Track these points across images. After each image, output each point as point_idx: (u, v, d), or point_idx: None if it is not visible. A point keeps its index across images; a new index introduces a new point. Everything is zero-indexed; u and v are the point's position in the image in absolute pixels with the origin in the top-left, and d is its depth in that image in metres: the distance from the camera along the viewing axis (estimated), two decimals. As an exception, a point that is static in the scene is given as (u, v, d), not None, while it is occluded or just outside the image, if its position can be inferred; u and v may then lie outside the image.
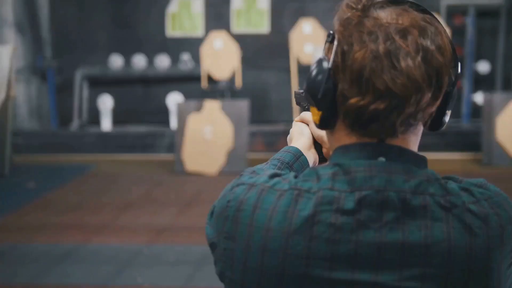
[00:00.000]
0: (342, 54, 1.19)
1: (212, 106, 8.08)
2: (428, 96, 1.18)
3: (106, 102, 9.67)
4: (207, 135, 8.02)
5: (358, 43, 1.17)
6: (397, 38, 1.16)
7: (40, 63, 9.92)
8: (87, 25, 10.08)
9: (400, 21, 1.18)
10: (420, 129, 1.24)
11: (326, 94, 1.20)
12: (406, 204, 1.16)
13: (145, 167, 8.36)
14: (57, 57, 10.11)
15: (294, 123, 1.58)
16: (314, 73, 1.22)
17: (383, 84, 1.15)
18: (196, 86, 9.69)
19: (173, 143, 8.56)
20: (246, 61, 9.63)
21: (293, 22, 9.60)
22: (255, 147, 8.78)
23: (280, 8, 9.91)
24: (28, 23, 9.89)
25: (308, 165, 1.51)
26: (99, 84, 9.98)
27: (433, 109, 1.21)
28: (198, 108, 8.10)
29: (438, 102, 1.21)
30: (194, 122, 8.04)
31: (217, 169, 7.94)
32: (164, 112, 9.68)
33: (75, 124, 9.73)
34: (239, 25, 9.93)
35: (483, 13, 9.74)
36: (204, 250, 5.39)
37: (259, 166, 1.47)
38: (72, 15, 10.08)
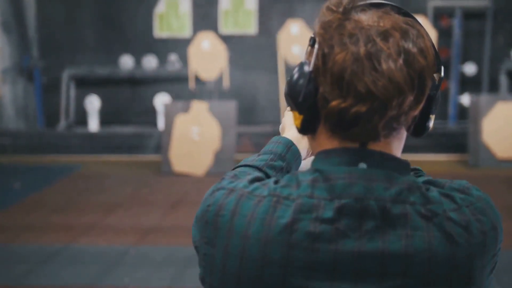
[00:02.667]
0: (323, 57, 1.17)
1: (199, 107, 8.07)
2: (410, 99, 1.16)
3: (93, 103, 9.65)
4: (195, 136, 8.02)
5: (339, 46, 1.16)
6: (378, 40, 1.15)
7: (27, 63, 9.88)
8: (74, 25, 10.05)
9: (381, 24, 1.16)
10: (404, 133, 1.22)
11: (307, 98, 1.19)
12: (386, 212, 1.15)
13: (132, 168, 8.34)
14: (44, 57, 10.07)
15: (286, 113, 1.57)
16: (295, 77, 1.20)
17: (364, 87, 1.14)
18: (183, 87, 9.69)
19: (160, 143, 8.55)
20: (234, 62, 9.63)
21: (280, 23, 9.61)
22: (243, 148, 8.78)
23: (267, 9, 9.91)
24: (14, 23, 9.85)
25: (300, 155, 1.49)
26: (86, 84, 9.96)
27: (416, 112, 1.19)
28: (186, 109, 8.09)
29: (421, 106, 1.19)
30: (181, 122, 8.03)
31: (205, 170, 7.94)
32: (151, 113, 9.66)
33: (61, 125, 9.70)
34: (226, 26, 9.93)
35: (470, 15, 9.79)
36: (191, 251, 5.39)
37: (249, 158, 1.45)
38: (59, 15, 10.05)
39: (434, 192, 1.17)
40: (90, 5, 10.04)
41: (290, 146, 1.47)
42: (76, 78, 9.95)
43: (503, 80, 9.48)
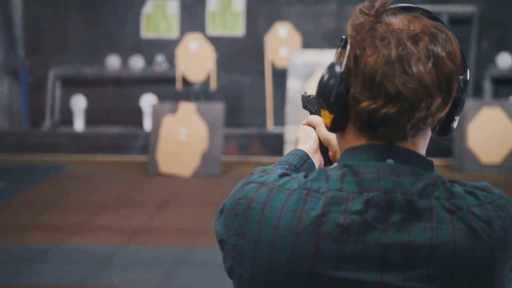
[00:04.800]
0: (355, 58, 1.21)
1: (187, 108, 8.08)
2: (438, 101, 1.21)
3: (79, 102, 9.62)
4: (182, 137, 8.02)
5: (371, 48, 1.20)
6: (408, 44, 1.19)
7: (13, 61, 9.84)
8: (61, 25, 10.02)
9: (411, 28, 1.21)
10: (429, 133, 1.27)
11: (338, 98, 1.23)
12: (413, 206, 1.19)
13: (118, 168, 8.33)
14: (30, 55, 10.03)
15: (301, 127, 1.61)
16: (326, 77, 1.25)
17: (394, 89, 1.18)
18: (170, 88, 9.68)
19: (147, 144, 8.54)
20: (221, 64, 9.64)
21: (268, 25, 9.64)
22: (229, 150, 8.79)
23: (255, 11, 9.93)
24: (0, 21, 9.80)
25: (315, 168, 1.54)
26: (72, 84, 9.93)
27: (443, 114, 1.24)
28: (173, 110, 8.09)
29: (448, 108, 1.24)
30: (169, 123, 8.03)
31: (192, 171, 7.94)
32: (137, 114, 9.65)
33: (47, 124, 9.66)
34: (214, 28, 9.94)
35: (456, 21, 9.86)
36: (179, 251, 5.39)
37: (268, 167, 1.49)
38: (46, 14, 10.02)
39: (458, 188, 1.22)
40: (77, 4, 10.02)
41: (306, 159, 1.53)
42: (62, 77, 9.92)
43: (487, 85, 9.56)
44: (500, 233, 1.21)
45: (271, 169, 1.33)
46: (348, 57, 1.22)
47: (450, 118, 1.26)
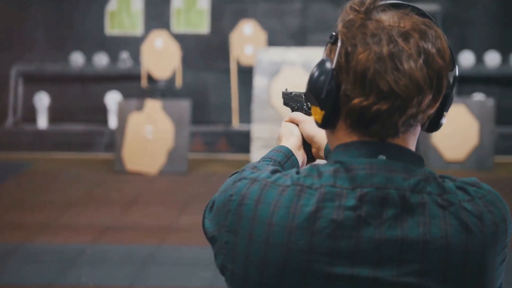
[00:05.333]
0: (346, 55, 1.22)
1: (153, 106, 8.04)
2: (429, 97, 1.22)
3: (42, 100, 9.51)
4: (148, 134, 7.98)
5: (362, 45, 1.21)
6: (399, 40, 1.21)
7: (-25, 58, 9.70)
8: (23, 21, 9.90)
9: (402, 24, 1.22)
10: (419, 129, 1.29)
11: (329, 94, 1.23)
12: (406, 201, 1.20)
13: (84, 166, 8.26)
14: (-8, 52, 9.90)
15: (283, 123, 1.62)
16: (316, 74, 1.25)
17: (386, 85, 1.20)
18: (134, 85, 9.63)
19: (112, 142, 8.48)
20: (186, 61, 9.61)
21: (233, 23, 9.63)
22: (194, 148, 8.77)
23: (220, 8, 9.92)
24: (-38, 17, 9.66)
25: (298, 165, 1.54)
26: (35, 81, 9.82)
27: (433, 110, 1.26)
28: (139, 107, 8.05)
29: (437, 104, 1.26)
30: (134, 121, 7.99)
31: (158, 168, 7.91)
32: (102, 111, 9.58)
33: (9, 121, 9.54)
34: (179, 25, 9.91)
35: (419, 19, 9.96)
36: (148, 249, 5.37)
37: (251, 164, 1.50)
38: (8, 10, 9.89)
39: (449, 184, 1.24)
40: (40, 1, 9.91)
41: (290, 156, 1.54)
42: (25, 74, 9.80)
43: (450, 83, 9.67)
44: (491, 227, 1.23)
45: (262, 165, 1.33)
46: (339, 53, 1.23)
47: (439, 114, 1.28)
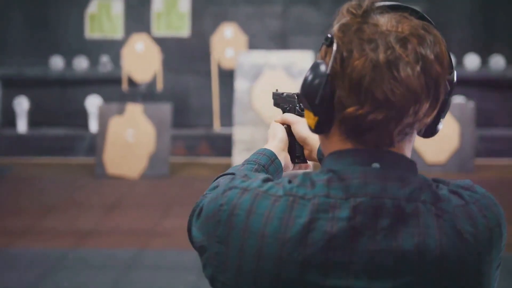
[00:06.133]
0: (341, 61, 1.18)
1: (134, 109, 8.00)
2: (426, 106, 1.19)
3: (22, 104, 9.44)
4: (129, 138, 7.94)
5: (358, 51, 1.17)
6: (397, 47, 1.17)
7: (-47, 62, 9.61)
8: (2, 23, 9.83)
9: (399, 29, 1.18)
10: (415, 135, 1.25)
11: (324, 100, 1.20)
12: (400, 211, 1.17)
13: (64, 170, 8.20)
14: (-30, 56, 9.81)
15: (272, 123, 1.59)
16: (310, 77, 1.21)
17: (382, 94, 1.16)
18: (115, 89, 9.58)
19: (92, 146, 8.43)
20: (167, 65, 9.58)
21: (214, 26, 9.61)
22: (176, 151, 8.74)
23: (200, 11, 9.90)
24: None
25: (282, 168, 1.52)
26: (14, 85, 9.74)
27: (430, 119, 1.22)
28: (120, 111, 8.01)
29: (435, 112, 1.22)
30: (115, 125, 7.95)
31: (139, 172, 7.87)
32: (82, 115, 9.52)
33: (-12, 126, 9.46)
34: (159, 28, 9.87)
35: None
36: (131, 253, 5.34)
37: (235, 167, 1.47)
38: (-13, 13, 9.81)
39: (443, 190, 1.21)
40: (19, 4, 9.84)
41: (273, 159, 1.51)
42: (4, 78, 9.72)
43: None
44: (485, 233, 1.20)
45: (253, 173, 1.30)
46: (335, 58, 1.19)
47: (436, 120, 1.24)
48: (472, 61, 9.36)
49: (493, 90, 9.50)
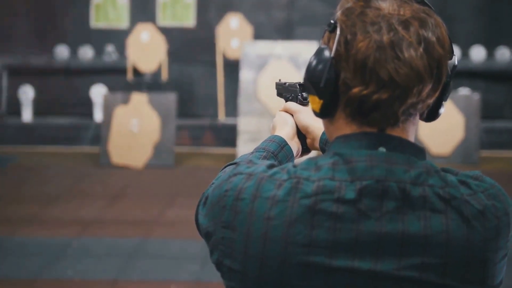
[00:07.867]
0: (345, 44, 1.20)
1: (139, 99, 8.01)
2: (429, 87, 1.21)
3: (27, 93, 9.45)
4: (134, 127, 7.95)
5: (362, 33, 1.19)
6: (400, 29, 1.19)
7: (-42, 51, 9.62)
8: (8, 13, 9.83)
9: (401, 12, 1.21)
10: (418, 119, 1.26)
11: (328, 83, 1.21)
12: (406, 194, 1.18)
13: (69, 160, 8.22)
14: (-24, 45, 9.82)
15: (277, 113, 1.59)
16: (314, 62, 1.23)
17: (386, 74, 1.18)
18: (120, 78, 9.58)
19: (97, 135, 8.43)
20: (172, 55, 9.58)
21: (219, 16, 9.60)
22: (181, 141, 8.74)
23: (206, 2, 9.89)
24: None
25: (293, 154, 1.52)
26: (20, 74, 9.75)
27: (432, 100, 1.24)
28: (125, 101, 8.02)
29: (437, 94, 1.24)
30: (120, 114, 7.95)
31: (144, 162, 7.88)
32: (87, 104, 9.53)
33: (-6, 115, 9.48)
34: (164, 18, 9.87)
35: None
36: (134, 242, 5.35)
37: (244, 155, 1.47)
38: (-8, 2, 9.81)
39: (451, 177, 1.22)
40: (25, -7, 9.83)
41: (284, 145, 1.51)
42: (10, 67, 9.73)
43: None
44: (493, 222, 1.21)
45: (258, 160, 1.31)
46: (339, 41, 1.21)
47: (438, 103, 1.26)
48: (478, 53, 9.34)
49: (498, 82, 9.47)
